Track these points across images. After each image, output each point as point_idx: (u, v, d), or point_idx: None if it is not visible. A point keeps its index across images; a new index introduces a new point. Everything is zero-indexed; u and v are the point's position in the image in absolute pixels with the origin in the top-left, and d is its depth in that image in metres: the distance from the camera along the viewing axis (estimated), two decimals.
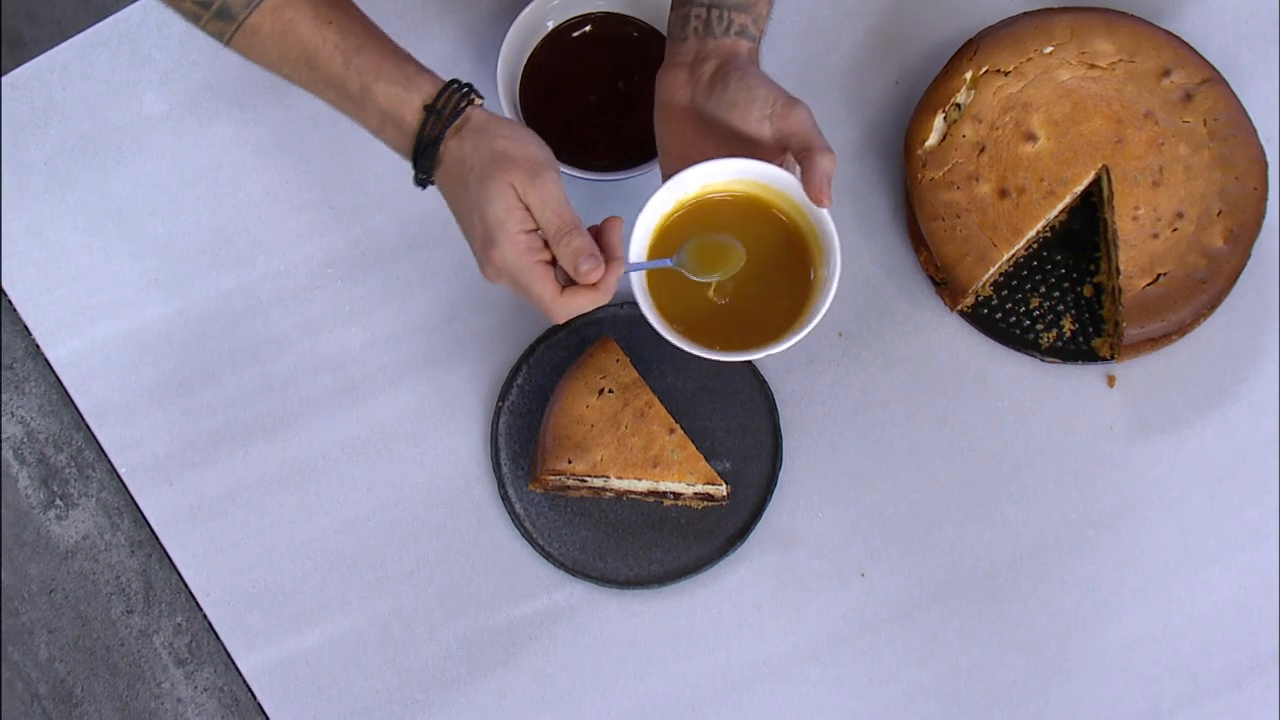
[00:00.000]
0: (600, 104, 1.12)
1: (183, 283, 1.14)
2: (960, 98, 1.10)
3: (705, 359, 0.93)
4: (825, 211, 0.92)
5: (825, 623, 1.09)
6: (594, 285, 0.87)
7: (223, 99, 1.14)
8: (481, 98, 0.89)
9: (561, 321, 0.89)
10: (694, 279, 0.94)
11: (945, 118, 1.10)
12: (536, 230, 0.87)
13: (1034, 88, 1.09)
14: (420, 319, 1.13)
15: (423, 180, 0.89)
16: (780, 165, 0.94)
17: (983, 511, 1.09)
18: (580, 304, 0.88)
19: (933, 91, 1.11)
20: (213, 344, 1.13)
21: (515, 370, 1.11)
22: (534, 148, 0.88)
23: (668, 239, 0.96)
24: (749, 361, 1.10)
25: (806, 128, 0.92)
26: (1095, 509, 1.09)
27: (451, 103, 0.87)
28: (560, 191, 0.87)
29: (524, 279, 0.87)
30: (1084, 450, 1.10)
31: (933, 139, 1.10)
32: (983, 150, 1.09)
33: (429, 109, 0.87)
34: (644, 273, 0.94)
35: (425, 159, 0.87)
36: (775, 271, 0.96)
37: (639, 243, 0.94)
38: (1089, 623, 1.08)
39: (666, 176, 0.95)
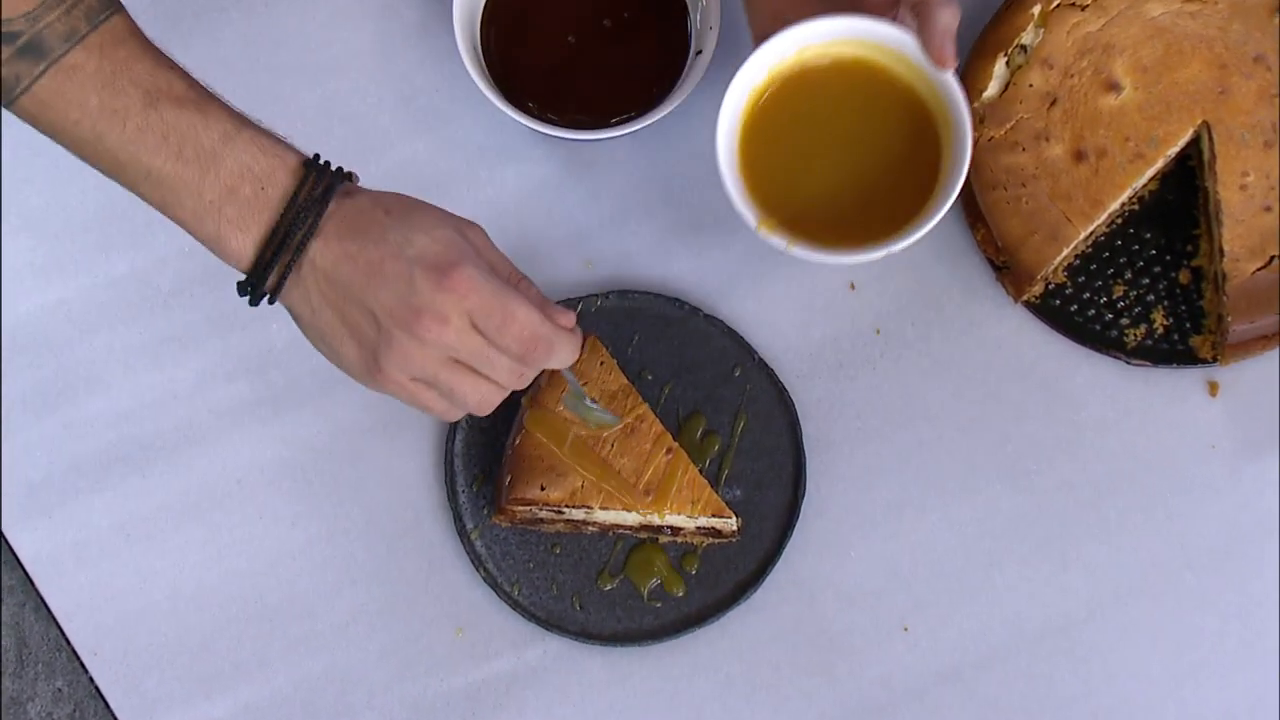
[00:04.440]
0: (581, 46, 1.12)
1: (64, 267, 1.13)
2: (1026, 38, 1.09)
3: (811, 261, 0.97)
4: (949, 74, 0.96)
5: (859, 687, 1.08)
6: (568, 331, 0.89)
7: None
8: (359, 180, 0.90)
9: (527, 380, 0.88)
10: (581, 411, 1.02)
11: (1008, 62, 1.09)
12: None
13: (1117, 25, 1.08)
14: None
15: (278, 267, 0.85)
16: (892, 21, 0.97)
17: (1054, 550, 1.09)
18: (560, 344, 0.88)
19: (992, 30, 1.10)
20: (101, 342, 1.13)
21: None
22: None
23: (764, 120, 1.00)
24: (764, 365, 1.10)
25: None
26: (1194, 547, 1.09)
27: (330, 167, 0.87)
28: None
29: (499, 300, 0.85)
30: (1180, 475, 1.09)
31: (992, 89, 1.09)
32: (1054, 103, 1.08)
33: (310, 165, 0.86)
34: (735, 147, 0.99)
35: (303, 224, 0.85)
36: (895, 149, 1.00)
37: (727, 125, 0.98)
38: (1185, 686, 1.07)
39: (758, 43, 0.99)
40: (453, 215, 0.87)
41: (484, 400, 0.88)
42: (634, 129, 1.08)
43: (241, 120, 0.86)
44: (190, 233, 0.87)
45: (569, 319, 0.89)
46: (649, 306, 1.10)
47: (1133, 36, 1.08)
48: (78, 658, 1.10)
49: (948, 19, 0.94)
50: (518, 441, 1.06)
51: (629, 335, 1.10)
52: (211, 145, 0.85)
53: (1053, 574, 1.08)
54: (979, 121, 1.08)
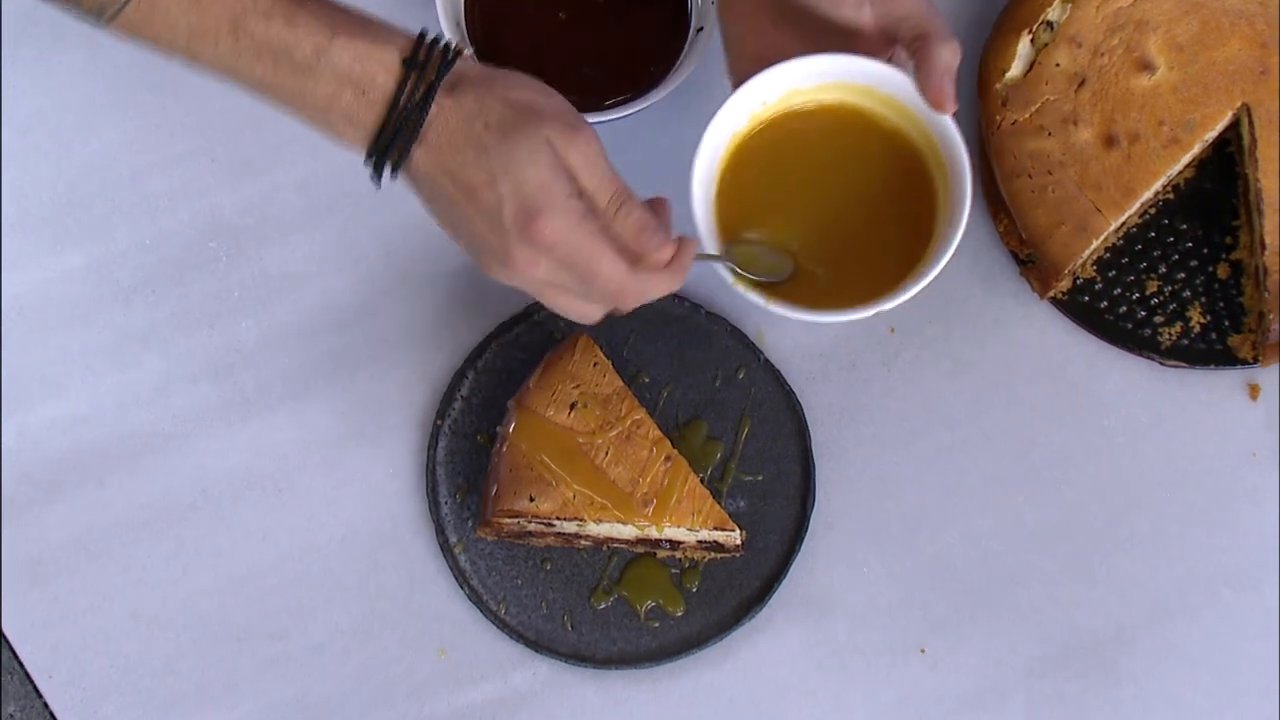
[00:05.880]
0: (573, 22, 1.11)
1: (16, 261, 1.13)
2: (1053, 14, 1.09)
3: (796, 320, 0.97)
4: (948, 119, 0.95)
5: (872, 714, 1.08)
6: (666, 266, 0.90)
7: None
8: (468, 49, 0.91)
9: (629, 309, 0.91)
10: (749, 277, 0.98)
11: (1033, 40, 1.09)
12: (582, 196, 0.89)
13: (1150, 0, 1.09)
14: (333, 309, 1.13)
15: (394, 161, 0.89)
16: (887, 61, 0.97)
17: (1083, 566, 1.09)
18: (653, 287, 0.90)
19: (1016, 6, 1.11)
20: (56, 342, 1.12)
21: (459, 377, 1.10)
22: (560, 99, 0.90)
23: (743, 167, 0.99)
24: (771, 366, 1.10)
25: (919, 9, 0.94)
26: (1233, 562, 1.08)
27: (436, 54, 0.88)
28: (603, 151, 0.89)
29: (583, 255, 0.87)
30: (1218, 484, 1.09)
31: (1016, 69, 1.09)
32: (1083, 84, 1.08)
33: (409, 63, 0.88)
34: (711, 197, 0.98)
35: (406, 130, 0.88)
36: (886, 200, 0.99)
37: (703, 172, 0.98)
38: (1226, 713, 1.07)
39: (737, 84, 0.98)
40: (556, 122, 0.87)
41: (585, 317, 0.92)
42: (630, 112, 1.07)
43: (336, 23, 0.88)
44: (307, 125, 0.91)
45: (667, 250, 0.89)
46: (646, 304, 1.07)
47: (1167, 12, 1.07)
48: (31, 681, 1.09)
49: (948, 57, 0.92)
50: (504, 449, 1.05)
51: (624, 334, 1.10)
52: (305, 58, 0.87)
53: (1081, 592, 1.08)
54: (1002, 104, 1.08)
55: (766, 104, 0.98)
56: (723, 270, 0.96)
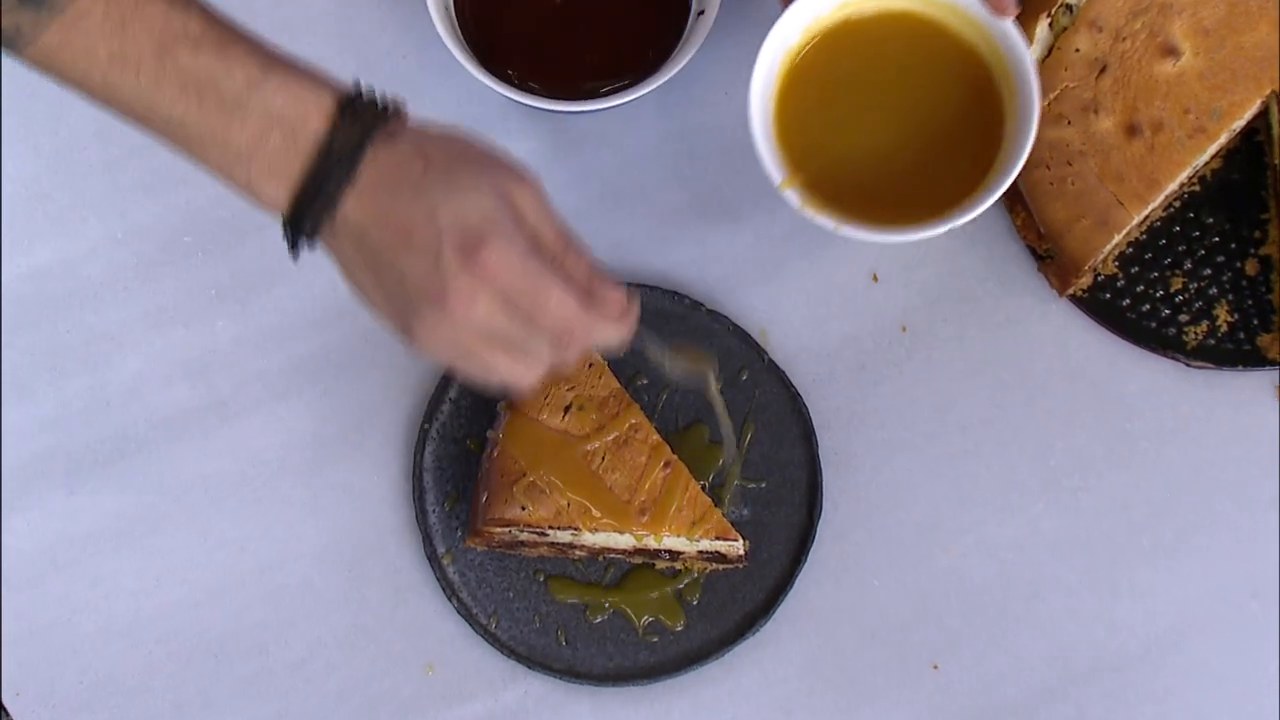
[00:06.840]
0: (568, 6, 1.11)
1: None
2: None
3: (863, 241, 0.98)
4: (1009, 23, 0.98)
5: None
6: (616, 313, 0.89)
7: None
8: (406, 108, 0.89)
9: (573, 359, 0.89)
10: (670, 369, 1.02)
11: (1052, 24, 1.08)
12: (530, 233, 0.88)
13: None
14: (314, 307, 1.13)
15: (319, 215, 0.86)
16: None
17: (1104, 578, 1.08)
18: (602, 333, 0.88)
19: None
20: (22, 342, 1.13)
21: (447, 379, 1.10)
22: (505, 154, 0.89)
23: (801, 85, 1.01)
24: (775, 367, 1.09)
25: None
26: (1262, 573, 1.08)
27: (372, 103, 0.86)
28: (551, 201, 0.88)
29: (532, 285, 0.84)
30: (1246, 490, 1.08)
31: (1034, 54, 1.07)
32: (1104, 70, 1.07)
33: (346, 106, 0.86)
34: (770, 118, 0.99)
35: (337, 175, 0.85)
36: (950, 110, 1.01)
37: (761, 88, 0.99)
38: None
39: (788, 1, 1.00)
40: (501, 167, 0.86)
41: (520, 379, 0.89)
42: (628, 99, 1.07)
43: (269, 60, 0.86)
44: (221, 181, 0.87)
45: (614, 302, 0.88)
46: (645, 301, 1.09)
47: None
48: None
49: None
50: (495, 454, 1.05)
51: None
52: (235, 93, 0.85)
53: (1102, 605, 1.07)
54: None
55: (822, 15, 1.01)
56: (790, 195, 0.97)
